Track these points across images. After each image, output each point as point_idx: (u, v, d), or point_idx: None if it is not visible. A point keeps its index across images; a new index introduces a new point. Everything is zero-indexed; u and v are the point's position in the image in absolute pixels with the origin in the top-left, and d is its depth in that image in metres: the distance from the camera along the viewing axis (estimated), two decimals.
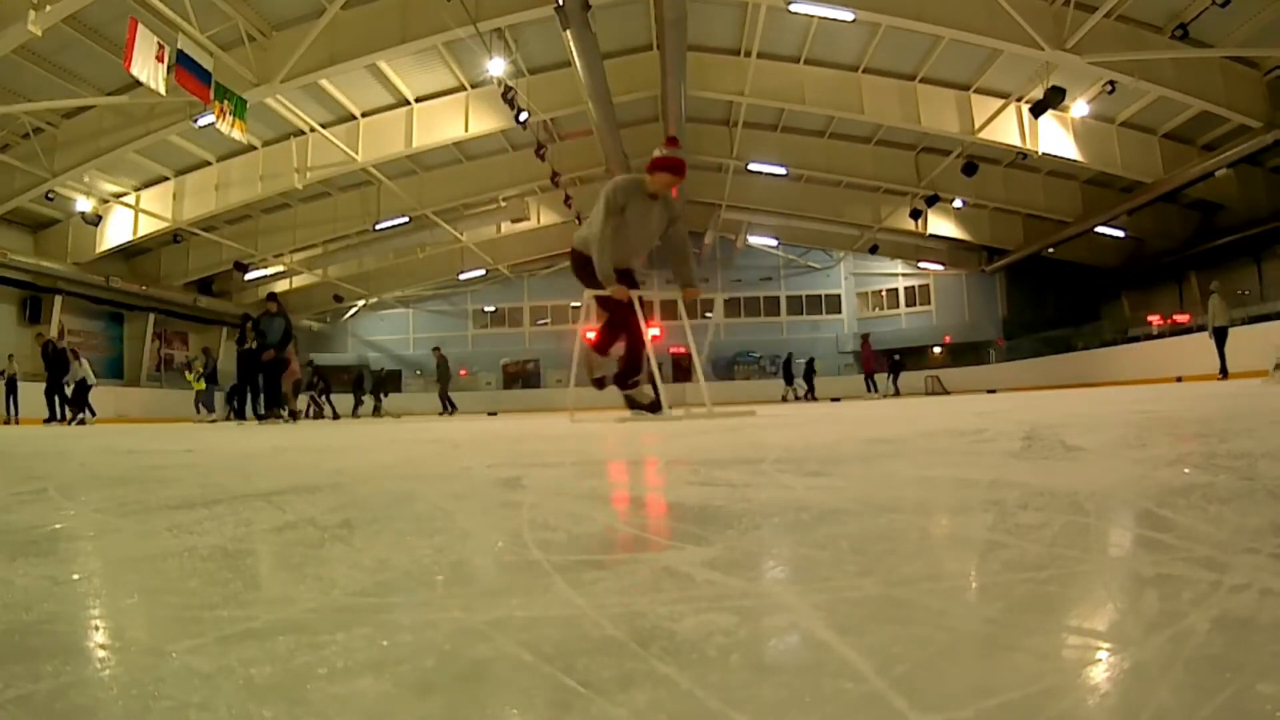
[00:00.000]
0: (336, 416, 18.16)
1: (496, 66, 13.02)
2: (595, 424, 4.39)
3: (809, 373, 21.58)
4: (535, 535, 0.80)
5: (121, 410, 19.30)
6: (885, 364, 22.17)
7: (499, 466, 1.74)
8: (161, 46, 10.42)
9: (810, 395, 21.42)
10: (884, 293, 29.74)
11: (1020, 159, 18.35)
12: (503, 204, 21.67)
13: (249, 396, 10.85)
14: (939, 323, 28.30)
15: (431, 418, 14.01)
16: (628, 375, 5.03)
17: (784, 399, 21.58)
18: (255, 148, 16.77)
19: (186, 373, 18.46)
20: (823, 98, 16.37)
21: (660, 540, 0.79)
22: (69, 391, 14.44)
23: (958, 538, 0.78)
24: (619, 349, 5.10)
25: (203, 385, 17.72)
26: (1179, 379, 10.86)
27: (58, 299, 18.51)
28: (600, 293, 4.79)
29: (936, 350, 28.16)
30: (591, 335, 5.25)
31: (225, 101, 11.92)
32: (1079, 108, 16.13)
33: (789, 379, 21.84)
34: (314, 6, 12.22)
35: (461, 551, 0.77)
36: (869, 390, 20.84)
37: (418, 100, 16.23)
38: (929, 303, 28.81)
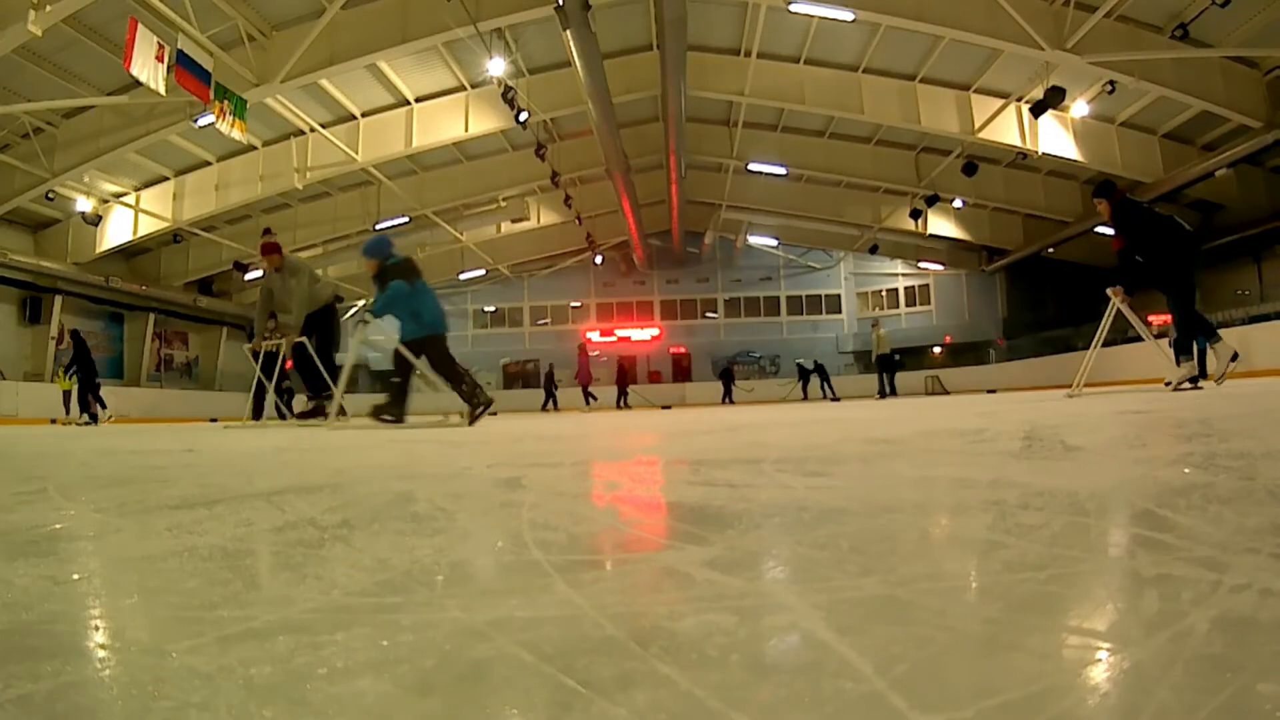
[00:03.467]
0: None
1: (496, 66, 13.02)
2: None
3: (823, 374, 21.27)
4: (535, 535, 0.80)
5: (121, 410, 19.30)
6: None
7: (499, 466, 1.74)
8: (161, 46, 10.43)
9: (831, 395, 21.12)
10: (884, 293, 29.74)
11: (1020, 159, 18.35)
12: (503, 204, 21.68)
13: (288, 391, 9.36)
14: (939, 323, 28.31)
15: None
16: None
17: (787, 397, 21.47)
18: (255, 148, 16.77)
19: (60, 374, 14.66)
20: (823, 98, 16.37)
21: (660, 540, 0.79)
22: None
23: (958, 538, 0.78)
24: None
25: (71, 384, 14.14)
26: None
27: (58, 299, 18.51)
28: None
29: (936, 350, 28.17)
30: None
31: (225, 101, 11.92)
32: (1079, 108, 16.14)
33: (806, 386, 21.37)
34: (314, 6, 12.23)
35: (461, 551, 0.77)
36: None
37: (418, 100, 16.24)
38: (929, 303, 28.83)
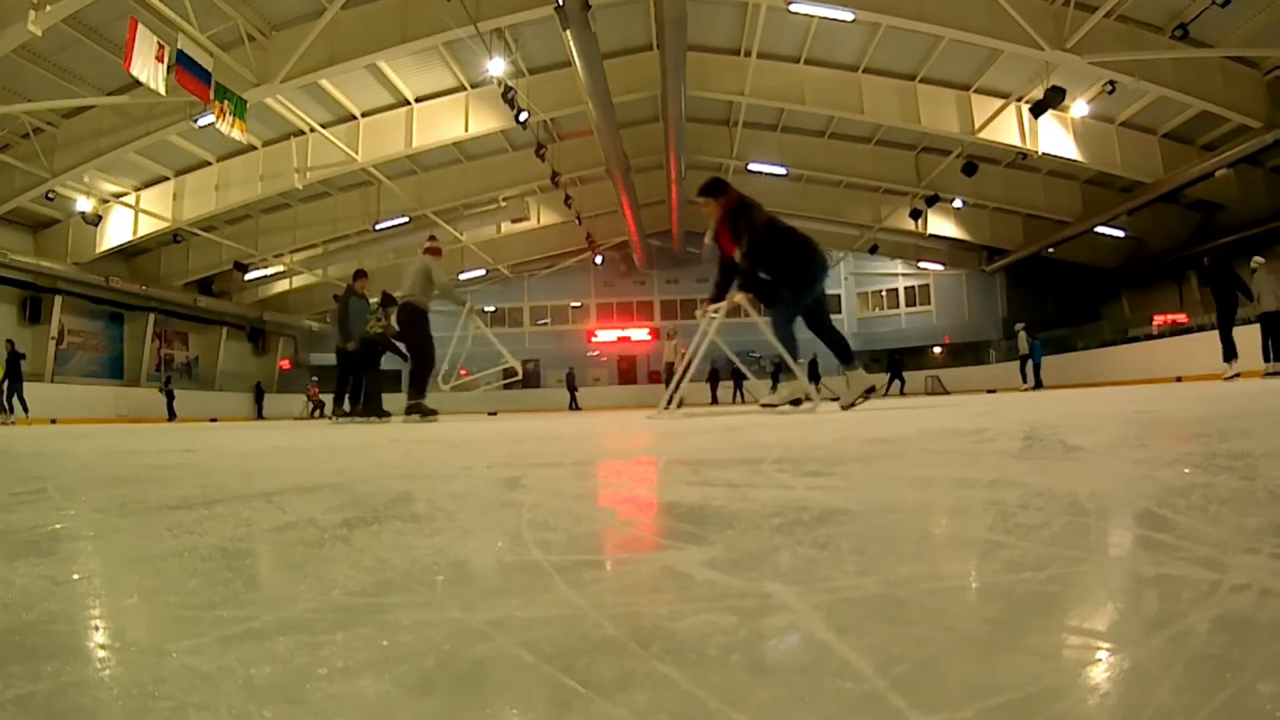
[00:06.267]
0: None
1: (496, 66, 13.03)
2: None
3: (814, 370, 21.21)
4: (535, 535, 0.80)
5: (121, 411, 19.33)
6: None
7: (499, 466, 1.74)
8: (161, 46, 10.43)
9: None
10: (884, 293, 29.75)
11: (1020, 159, 18.36)
12: (503, 204, 21.68)
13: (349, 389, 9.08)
14: (939, 323, 28.32)
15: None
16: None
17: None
18: (255, 148, 16.79)
19: None
20: (823, 98, 16.38)
21: (660, 540, 0.79)
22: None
23: (958, 538, 0.78)
24: None
25: None
26: (1179, 379, 10.85)
27: (58, 299, 18.53)
28: None
29: (936, 350, 28.16)
30: None
31: (225, 101, 11.93)
32: (1079, 108, 16.15)
33: (816, 379, 21.27)
34: (314, 6, 12.23)
35: (461, 551, 0.77)
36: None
37: (418, 100, 16.24)
38: (929, 303, 28.84)
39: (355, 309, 8.93)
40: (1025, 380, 17.48)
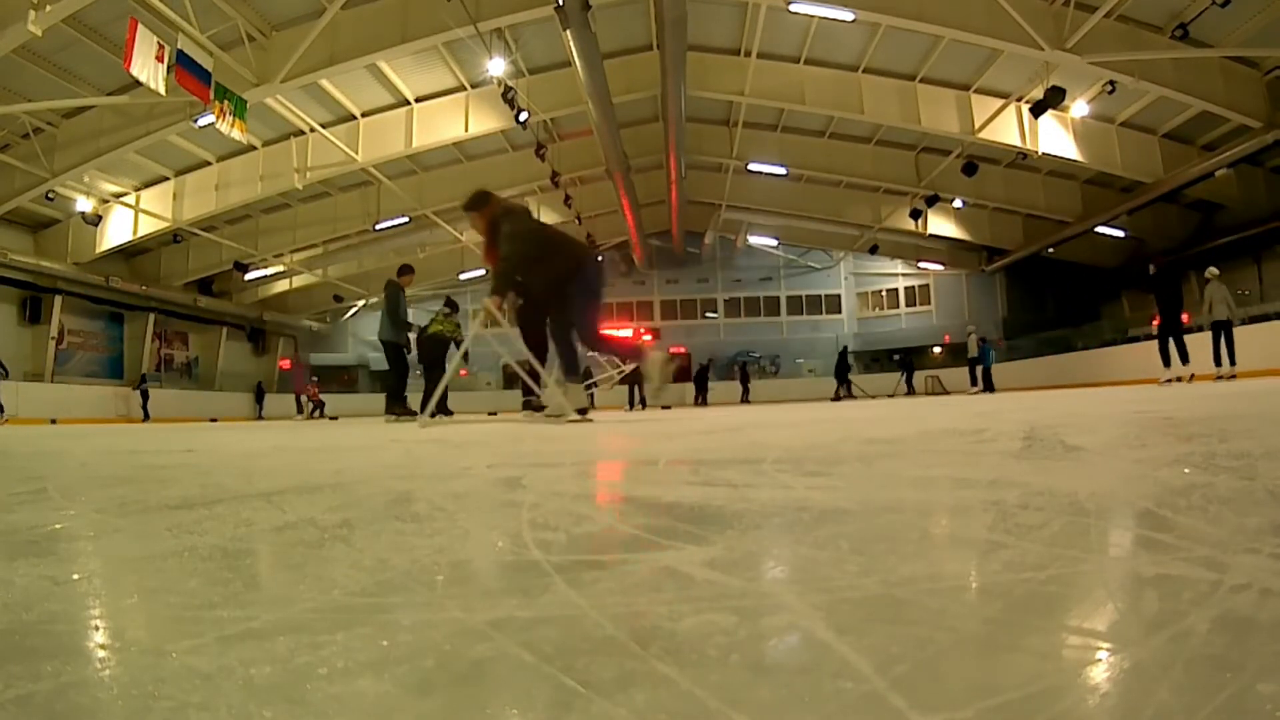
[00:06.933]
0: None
1: (496, 66, 13.03)
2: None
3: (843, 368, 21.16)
4: (535, 535, 0.80)
5: (121, 411, 19.34)
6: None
7: (499, 467, 1.74)
8: (161, 46, 10.43)
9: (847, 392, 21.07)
10: (884, 293, 29.75)
11: (1020, 159, 18.36)
12: None
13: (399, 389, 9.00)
14: (939, 323, 28.31)
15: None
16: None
17: (837, 397, 21.29)
18: (255, 148, 16.78)
19: None
20: (823, 98, 16.38)
21: (660, 540, 0.79)
22: None
23: (958, 538, 0.78)
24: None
25: None
26: (1179, 379, 10.88)
27: (58, 299, 18.53)
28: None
29: (936, 350, 28.16)
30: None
31: (225, 101, 11.93)
32: (1079, 108, 16.14)
33: (844, 377, 21.10)
34: (314, 6, 12.23)
35: (461, 551, 0.77)
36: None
37: (418, 100, 16.24)
38: (929, 303, 28.83)
39: (404, 306, 8.92)
40: (975, 384, 18.03)
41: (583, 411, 5.05)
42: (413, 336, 8.91)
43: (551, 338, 5.20)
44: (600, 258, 5.50)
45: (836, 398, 19.68)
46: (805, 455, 1.72)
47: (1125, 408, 3.58)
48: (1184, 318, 10.74)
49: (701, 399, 22.32)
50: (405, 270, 9.12)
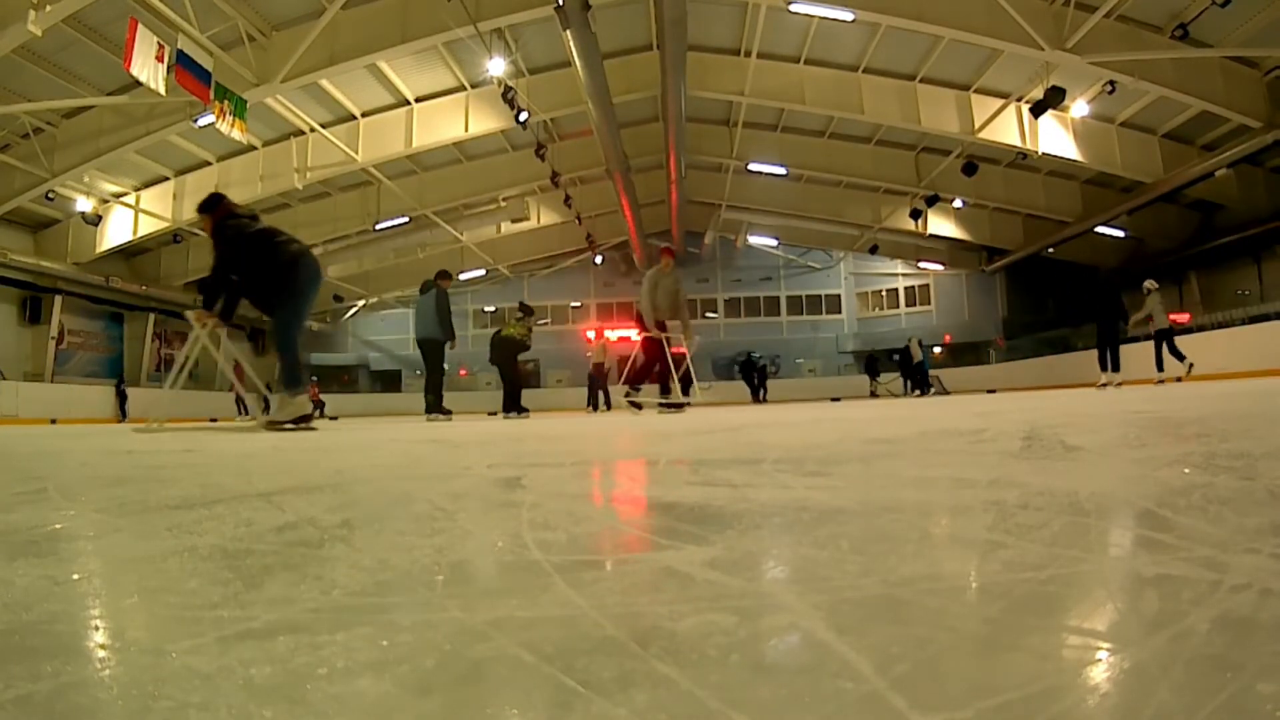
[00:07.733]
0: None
1: (496, 66, 13.02)
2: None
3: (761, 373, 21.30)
4: (535, 535, 0.80)
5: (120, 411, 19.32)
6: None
7: (499, 467, 1.74)
8: (161, 46, 10.43)
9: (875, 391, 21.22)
10: (884, 293, 29.73)
11: (1020, 159, 18.34)
12: (503, 204, 21.67)
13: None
14: (939, 323, 28.30)
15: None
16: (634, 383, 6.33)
17: (873, 394, 21.33)
18: (255, 148, 16.77)
19: None
20: (823, 98, 16.37)
21: (660, 540, 0.79)
22: None
23: (958, 538, 0.78)
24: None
25: None
26: (1178, 379, 10.90)
27: (58, 299, 18.52)
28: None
29: (936, 350, 28.15)
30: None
31: (225, 101, 11.93)
32: (1079, 108, 16.13)
33: (915, 371, 20.75)
34: (314, 6, 12.23)
35: (461, 551, 0.77)
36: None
37: (418, 100, 16.24)
38: (929, 303, 28.82)
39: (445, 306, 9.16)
40: (908, 389, 18.36)
41: (303, 420, 4.94)
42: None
43: (271, 342, 5.26)
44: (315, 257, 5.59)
45: (919, 392, 19.09)
46: (805, 455, 1.72)
47: (1125, 407, 3.58)
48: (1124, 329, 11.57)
49: (758, 397, 21.66)
50: (444, 275, 9.57)
